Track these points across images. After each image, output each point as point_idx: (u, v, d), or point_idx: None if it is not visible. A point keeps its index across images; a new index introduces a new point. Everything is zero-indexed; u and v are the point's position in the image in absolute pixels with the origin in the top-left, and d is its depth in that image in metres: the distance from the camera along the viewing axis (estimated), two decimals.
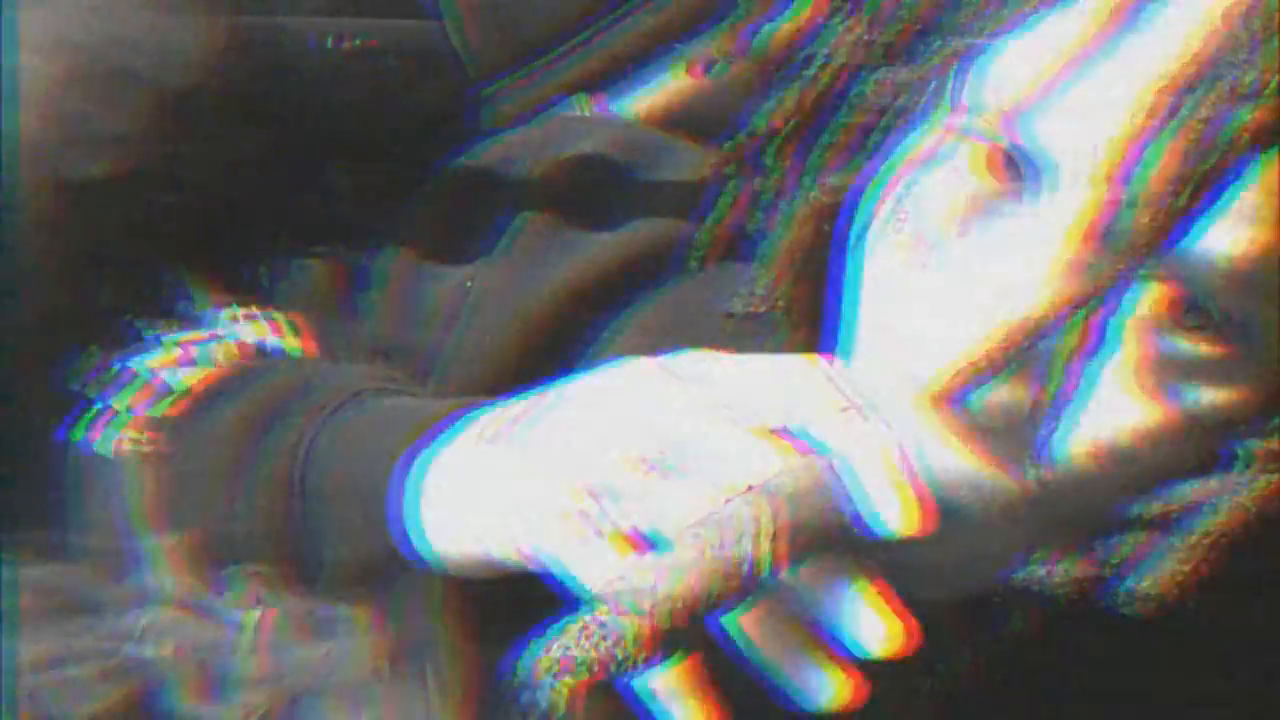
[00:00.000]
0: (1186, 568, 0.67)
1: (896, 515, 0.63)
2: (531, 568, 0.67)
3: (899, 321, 0.68)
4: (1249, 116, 0.60)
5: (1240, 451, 0.67)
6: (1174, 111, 0.61)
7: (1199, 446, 0.67)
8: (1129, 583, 0.69)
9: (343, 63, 0.98)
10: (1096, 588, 0.70)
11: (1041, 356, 0.65)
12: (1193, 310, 0.65)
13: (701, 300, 0.85)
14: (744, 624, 0.64)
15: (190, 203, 0.93)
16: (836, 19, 0.75)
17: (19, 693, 0.66)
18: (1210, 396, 0.66)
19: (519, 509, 0.66)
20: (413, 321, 0.90)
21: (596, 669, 0.57)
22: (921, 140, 0.71)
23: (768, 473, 0.63)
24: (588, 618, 0.58)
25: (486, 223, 0.90)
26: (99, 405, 0.83)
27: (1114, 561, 0.69)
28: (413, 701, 0.72)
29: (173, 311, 0.92)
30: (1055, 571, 0.70)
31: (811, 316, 0.78)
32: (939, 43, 0.68)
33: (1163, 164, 0.61)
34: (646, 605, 0.58)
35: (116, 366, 0.85)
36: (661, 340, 0.76)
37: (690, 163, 0.91)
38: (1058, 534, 0.70)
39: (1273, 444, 0.67)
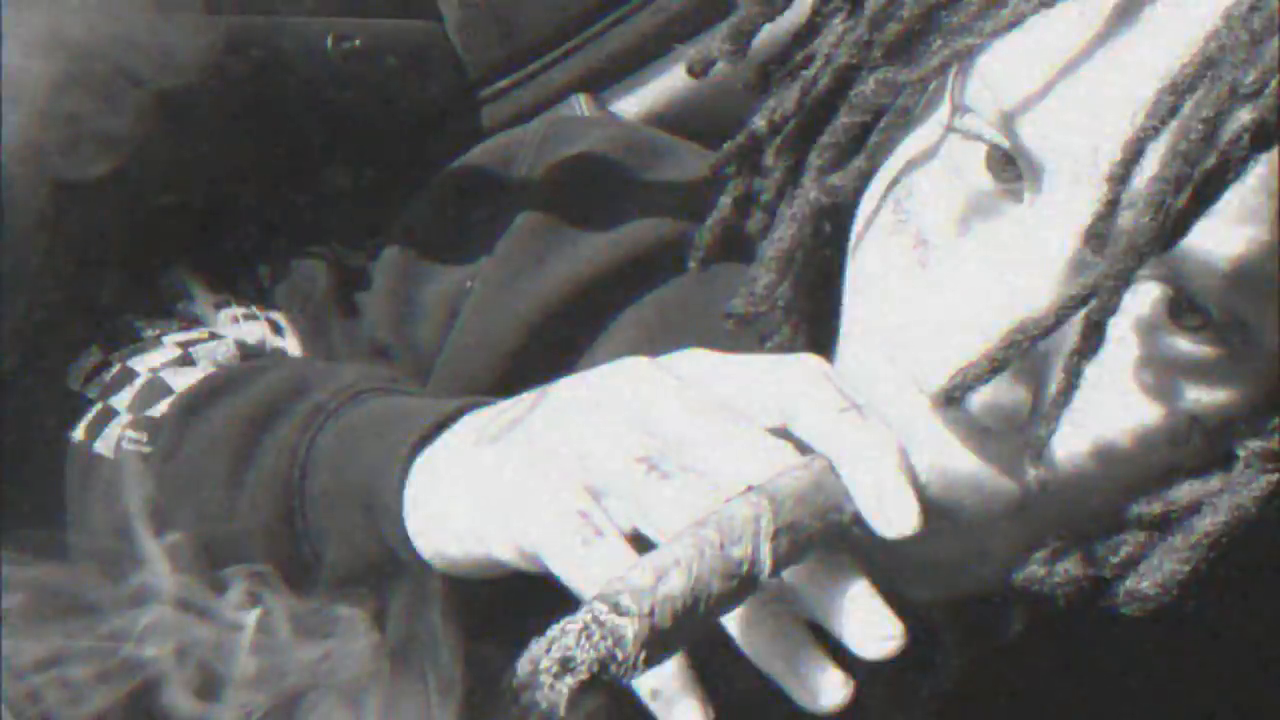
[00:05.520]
0: (1186, 568, 0.67)
1: (896, 515, 0.63)
2: (531, 568, 0.67)
3: (898, 321, 0.68)
4: (1249, 116, 0.60)
5: (1240, 451, 0.67)
6: (1174, 111, 0.61)
7: (1199, 446, 0.67)
8: (1129, 583, 0.69)
9: (343, 63, 0.98)
10: (1096, 588, 0.70)
11: (1041, 356, 0.65)
12: (1193, 310, 0.65)
13: (701, 300, 0.85)
14: (744, 624, 0.64)
15: (189, 203, 0.93)
16: (836, 19, 0.75)
17: (19, 693, 0.66)
18: (1210, 396, 0.66)
19: (519, 509, 0.66)
20: (413, 321, 0.90)
21: (596, 669, 0.57)
22: (921, 140, 0.71)
23: (768, 473, 0.63)
24: (588, 618, 0.58)
25: (486, 223, 0.90)
26: (99, 405, 0.83)
27: (1114, 561, 0.69)
28: (413, 701, 0.72)
29: (173, 311, 0.92)
30: (1055, 571, 0.70)
31: (811, 316, 0.78)
32: (939, 43, 0.68)
33: (1163, 164, 0.61)
34: (646, 605, 0.58)
35: (116, 366, 0.85)
36: (661, 340, 0.76)
37: (690, 163, 0.91)
38: (1058, 534, 0.70)
39: (1273, 444, 0.67)
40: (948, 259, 0.68)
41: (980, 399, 0.65)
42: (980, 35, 0.66)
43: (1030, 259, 0.65)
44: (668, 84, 1.08)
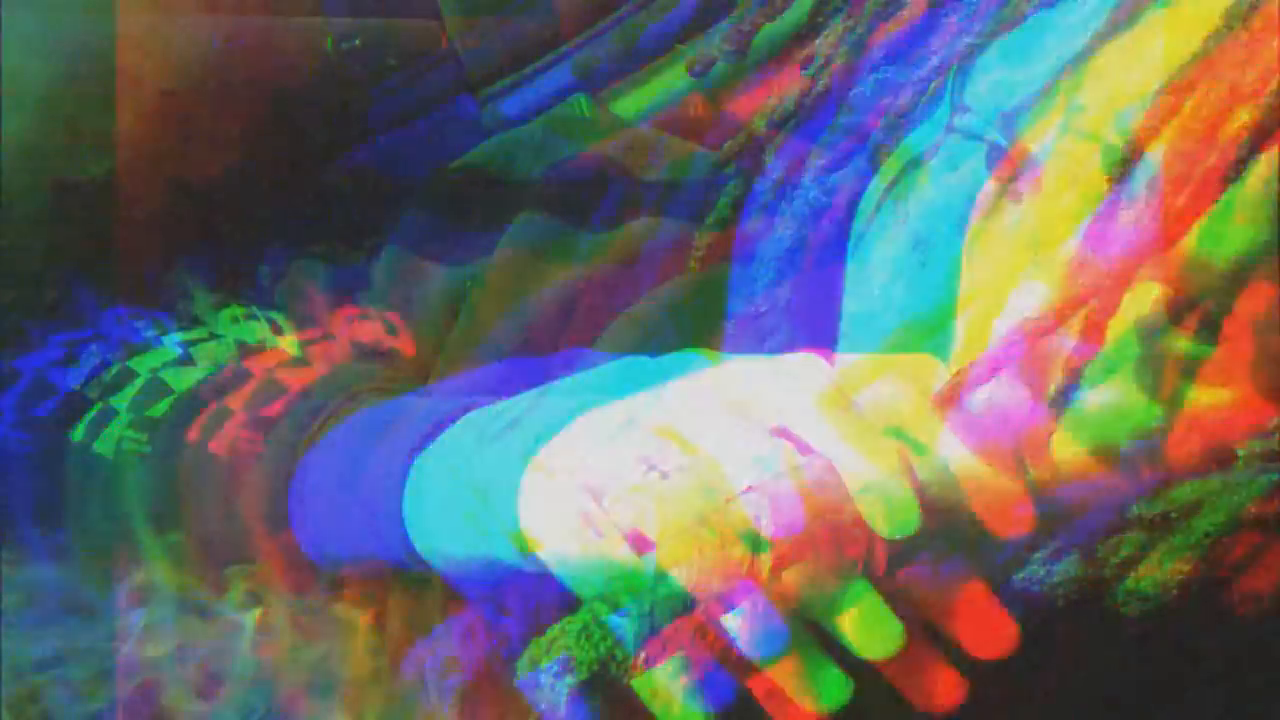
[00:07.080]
0: (1186, 568, 0.67)
1: (896, 515, 0.63)
2: (531, 568, 0.67)
3: (898, 322, 0.68)
4: (1249, 116, 0.60)
5: (1240, 451, 0.67)
6: (1174, 111, 0.61)
7: (1199, 446, 0.67)
8: (1129, 583, 0.69)
9: (343, 63, 0.98)
10: (1096, 588, 0.70)
11: (1041, 356, 0.65)
12: (1193, 310, 0.65)
13: (701, 300, 0.85)
14: (744, 624, 0.64)
15: (189, 202, 0.93)
16: (836, 19, 0.75)
17: (19, 693, 0.66)
18: (1210, 396, 0.66)
19: (518, 509, 0.66)
20: (413, 321, 0.90)
21: (596, 669, 0.57)
22: (921, 140, 0.71)
23: (768, 473, 0.63)
24: (588, 618, 0.58)
25: (486, 223, 0.90)
26: (99, 405, 0.83)
27: (1114, 561, 0.69)
28: (412, 701, 0.72)
29: (173, 311, 0.92)
30: (1055, 571, 0.70)
31: (811, 316, 0.78)
32: (939, 43, 0.68)
33: (1163, 164, 0.61)
34: (646, 605, 0.58)
35: (116, 366, 0.85)
36: (661, 340, 0.76)
37: (690, 163, 0.91)
38: (1058, 534, 0.69)
39: (1273, 444, 0.67)
40: (947, 259, 0.68)
41: (980, 399, 0.65)
42: (980, 35, 0.66)
43: (1029, 259, 0.65)
44: (668, 84, 1.08)
